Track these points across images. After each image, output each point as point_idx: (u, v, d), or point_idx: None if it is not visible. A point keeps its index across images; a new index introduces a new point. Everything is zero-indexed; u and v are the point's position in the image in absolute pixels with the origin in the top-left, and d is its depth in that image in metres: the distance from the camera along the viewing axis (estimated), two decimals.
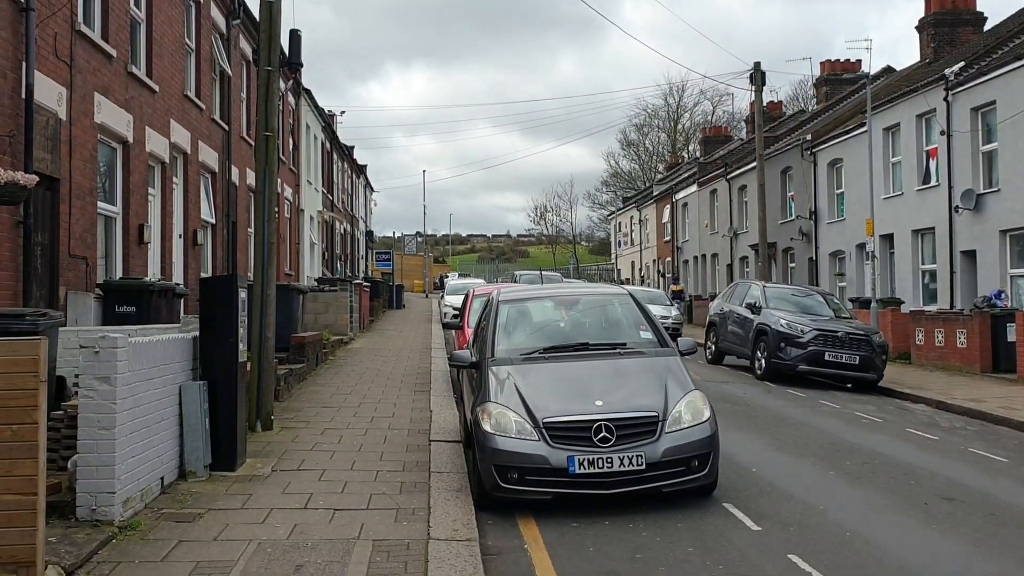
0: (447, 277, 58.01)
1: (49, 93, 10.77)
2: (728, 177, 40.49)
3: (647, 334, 9.28)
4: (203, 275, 17.07)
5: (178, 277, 16.22)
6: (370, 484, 8.07)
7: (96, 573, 5.65)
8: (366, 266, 55.42)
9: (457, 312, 20.62)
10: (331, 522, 6.86)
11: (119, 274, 13.21)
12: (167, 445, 7.75)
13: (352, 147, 50.51)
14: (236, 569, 5.76)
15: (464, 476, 8.52)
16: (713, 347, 21.73)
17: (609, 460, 7.47)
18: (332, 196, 40.43)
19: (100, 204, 12.65)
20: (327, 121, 39.32)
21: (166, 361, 7.73)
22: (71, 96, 11.44)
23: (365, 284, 30.53)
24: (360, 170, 55.09)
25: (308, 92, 32.45)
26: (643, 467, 7.51)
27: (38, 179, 9.04)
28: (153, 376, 7.38)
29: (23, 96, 10.03)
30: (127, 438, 6.73)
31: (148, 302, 11.26)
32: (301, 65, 12.90)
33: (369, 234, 60.50)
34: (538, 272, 54.68)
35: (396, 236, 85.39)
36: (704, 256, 44.82)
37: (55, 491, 6.63)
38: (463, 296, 19.64)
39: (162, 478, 7.62)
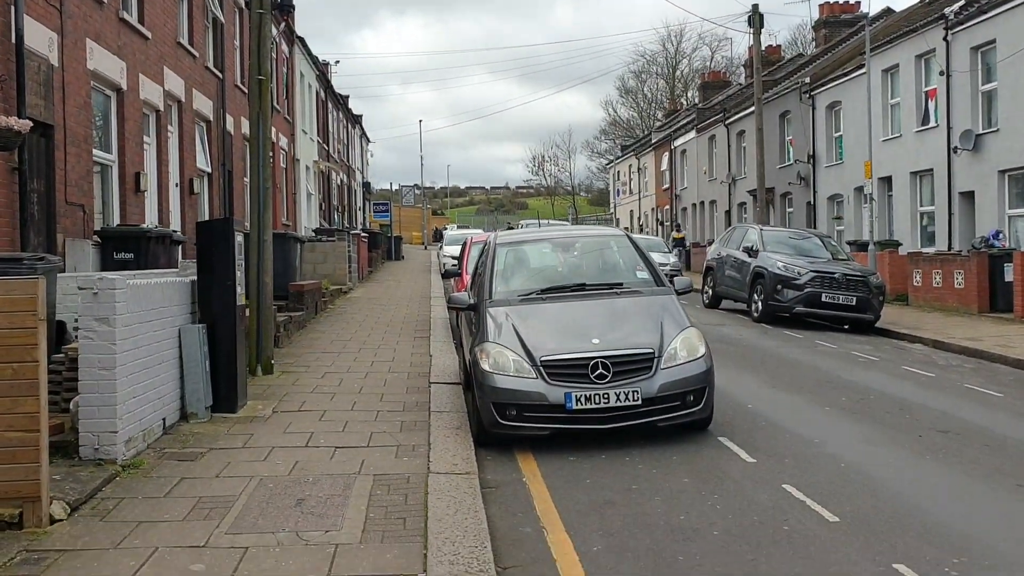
0: (445, 229, 57.90)
1: (40, 38, 10.66)
2: (726, 123, 40.24)
3: (644, 274, 9.31)
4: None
5: (175, 226, 16.17)
6: (370, 423, 8.15)
7: (100, 508, 5.74)
8: (364, 218, 55.23)
9: (456, 260, 20.63)
10: (332, 459, 6.95)
11: (116, 223, 13.19)
12: (168, 387, 7.81)
13: (347, 96, 50.12)
14: (238, 504, 5.85)
15: (463, 415, 8.61)
16: (710, 291, 21.72)
17: (606, 396, 7.55)
18: (328, 146, 40.19)
19: (96, 152, 12.58)
20: (321, 70, 38.92)
21: (165, 304, 7.76)
22: (62, 42, 11.32)
23: (363, 235, 30.47)
24: (356, 120, 54.68)
25: (302, 40, 32.06)
26: (639, 402, 7.59)
27: (32, 124, 8.99)
28: (152, 319, 7.42)
29: (13, 41, 9.93)
30: (128, 379, 6.78)
31: (146, 248, 11.28)
32: (293, 7, 12.83)
33: (366, 185, 60.19)
34: (537, 222, 54.63)
35: (393, 188, 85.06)
36: (702, 203, 44.69)
37: (58, 432, 6.70)
38: (461, 245, 19.66)
39: (164, 419, 7.70)
